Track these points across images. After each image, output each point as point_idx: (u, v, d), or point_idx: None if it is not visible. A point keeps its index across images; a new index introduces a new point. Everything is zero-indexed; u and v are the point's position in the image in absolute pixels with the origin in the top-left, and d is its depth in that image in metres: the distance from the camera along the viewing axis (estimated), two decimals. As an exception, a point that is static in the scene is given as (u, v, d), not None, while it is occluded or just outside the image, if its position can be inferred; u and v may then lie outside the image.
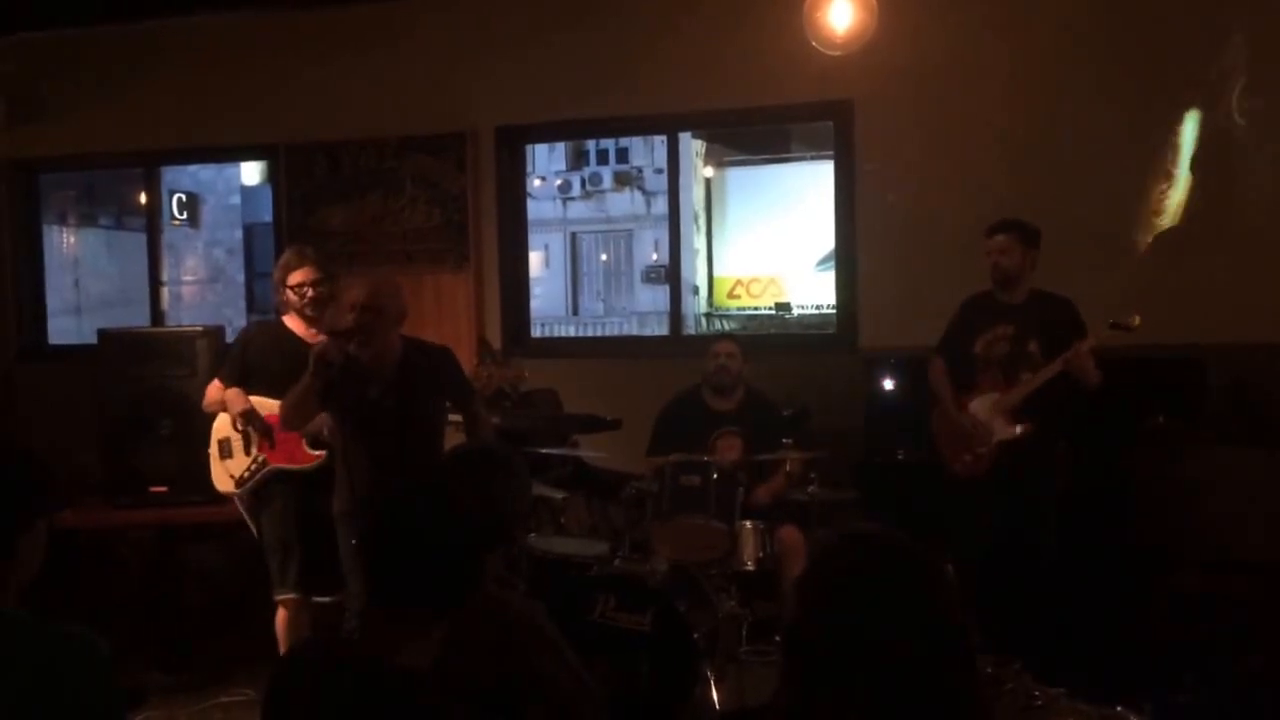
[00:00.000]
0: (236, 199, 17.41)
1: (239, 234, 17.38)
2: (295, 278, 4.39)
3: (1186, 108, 5.30)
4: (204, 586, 5.37)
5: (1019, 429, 4.44)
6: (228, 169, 16.16)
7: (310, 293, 4.39)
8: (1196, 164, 5.30)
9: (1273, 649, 3.96)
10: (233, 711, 4.56)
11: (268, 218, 8.25)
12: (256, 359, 4.43)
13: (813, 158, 12.48)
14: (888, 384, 5.51)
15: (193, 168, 15.25)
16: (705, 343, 6.19)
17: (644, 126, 8.10)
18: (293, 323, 4.46)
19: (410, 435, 3.85)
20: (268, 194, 8.81)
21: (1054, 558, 4.51)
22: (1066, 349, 4.34)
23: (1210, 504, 4.63)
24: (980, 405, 4.54)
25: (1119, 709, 3.47)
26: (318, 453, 4.33)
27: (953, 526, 4.55)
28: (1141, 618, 4.50)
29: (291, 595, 4.33)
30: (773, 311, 14.43)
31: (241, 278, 16.90)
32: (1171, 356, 4.92)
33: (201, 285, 17.00)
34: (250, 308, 15.75)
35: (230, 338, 5.30)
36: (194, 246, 17.04)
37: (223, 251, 17.46)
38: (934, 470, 4.73)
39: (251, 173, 15.37)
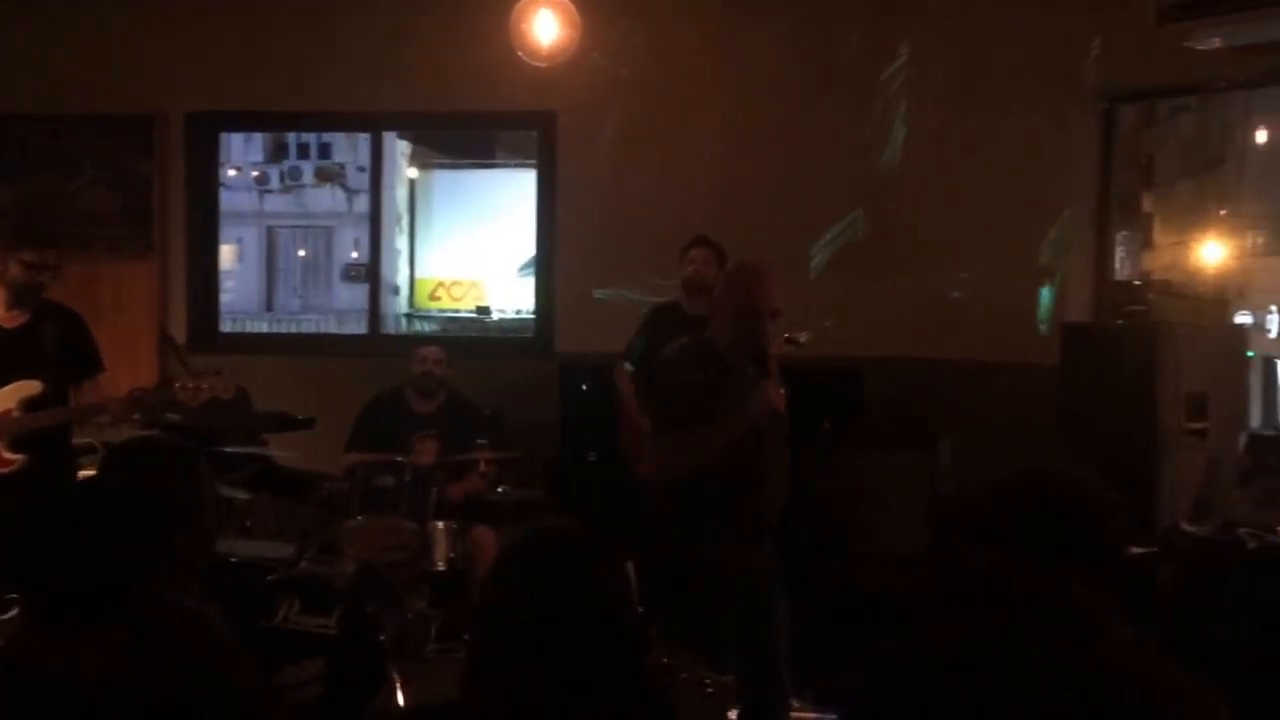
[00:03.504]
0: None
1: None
2: (34, 255, 3.95)
3: (862, 138, 5.79)
4: None
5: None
6: None
7: (42, 278, 3.98)
8: (863, 194, 5.80)
9: (923, 633, 4.37)
10: None
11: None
12: None
13: (517, 165, 12.59)
14: (582, 387, 5.68)
15: None
16: (405, 342, 6.15)
17: (346, 123, 7.91)
18: None
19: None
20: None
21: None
22: None
23: (868, 501, 5.06)
24: None
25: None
26: (16, 456, 3.97)
27: (641, 525, 4.74)
28: (809, 608, 4.83)
29: None
30: (473, 314, 14.44)
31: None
32: (836, 368, 5.34)
33: None
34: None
35: None
36: None
37: None
38: (624, 471, 4.92)
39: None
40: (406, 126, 10.12)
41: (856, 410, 5.38)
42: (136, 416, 4.40)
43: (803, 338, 4.61)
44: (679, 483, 3.21)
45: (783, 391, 3.16)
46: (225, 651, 2.34)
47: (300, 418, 5.09)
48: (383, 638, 3.99)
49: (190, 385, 3.92)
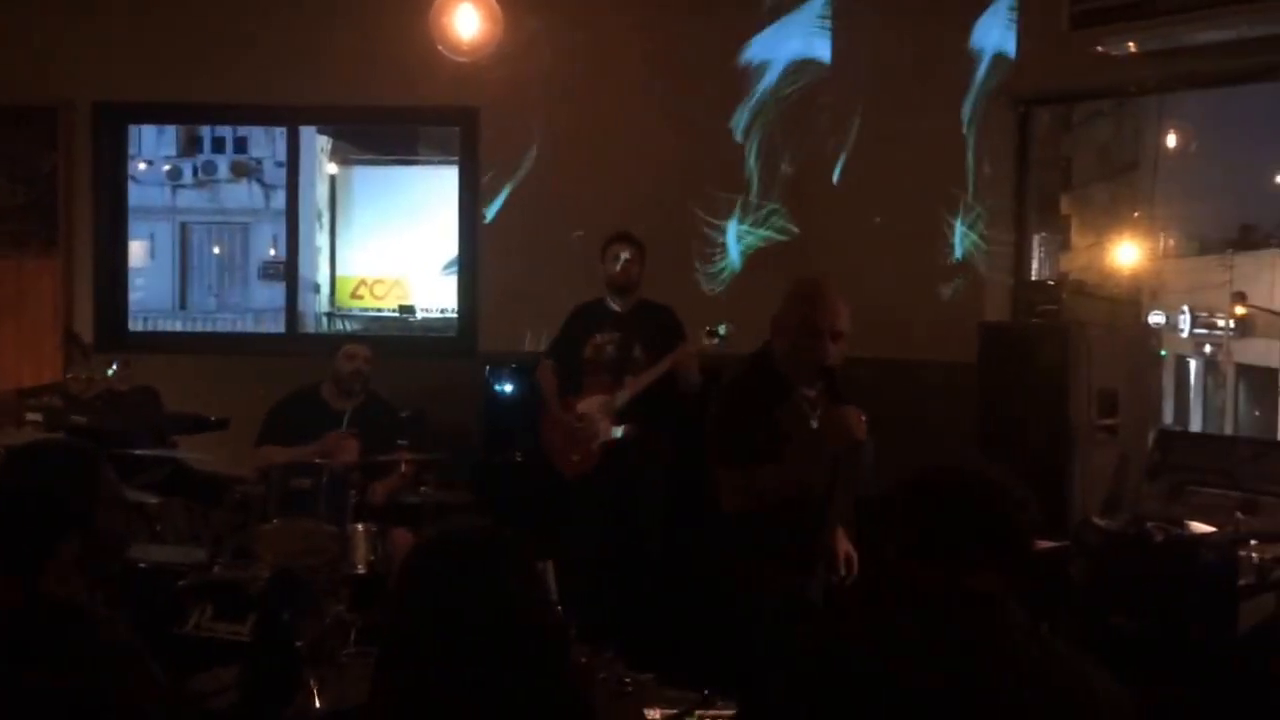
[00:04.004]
0: None
1: None
2: None
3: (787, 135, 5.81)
4: None
5: (622, 430, 4.68)
6: None
7: None
8: (788, 191, 5.82)
9: (829, 628, 4.39)
10: None
11: None
12: None
13: (440, 162, 12.48)
14: (506, 387, 5.63)
15: None
16: (325, 342, 6.05)
17: (262, 116, 7.76)
18: None
19: None
20: None
21: (658, 552, 4.80)
22: (670, 353, 4.64)
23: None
24: (588, 407, 4.74)
25: (706, 693, 3.71)
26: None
27: (564, 525, 4.73)
28: (728, 606, 4.84)
29: None
30: (396, 314, 14.28)
31: None
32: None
33: None
34: None
35: None
36: None
37: None
38: (548, 470, 4.89)
39: None
40: (324, 121, 9.98)
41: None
42: (40, 419, 4.27)
43: (723, 329, 4.61)
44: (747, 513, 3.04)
45: (864, 418, 2.99)
46: (123, 656, 2.26)
47: (213, 419, 4.96)
48: (299, 644, 3.90)
49: (83, 377, 3.80)
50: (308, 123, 7.89)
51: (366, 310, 15.00)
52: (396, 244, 14.59)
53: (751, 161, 5.80)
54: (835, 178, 5.72)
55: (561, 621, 1.66)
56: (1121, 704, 1.73)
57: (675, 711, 3.16)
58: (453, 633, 1.51)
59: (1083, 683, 1.72)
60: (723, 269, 5.80)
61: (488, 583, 1.55)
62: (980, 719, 1.67)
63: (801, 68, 5.77)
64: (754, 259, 5.80)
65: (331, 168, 15.15)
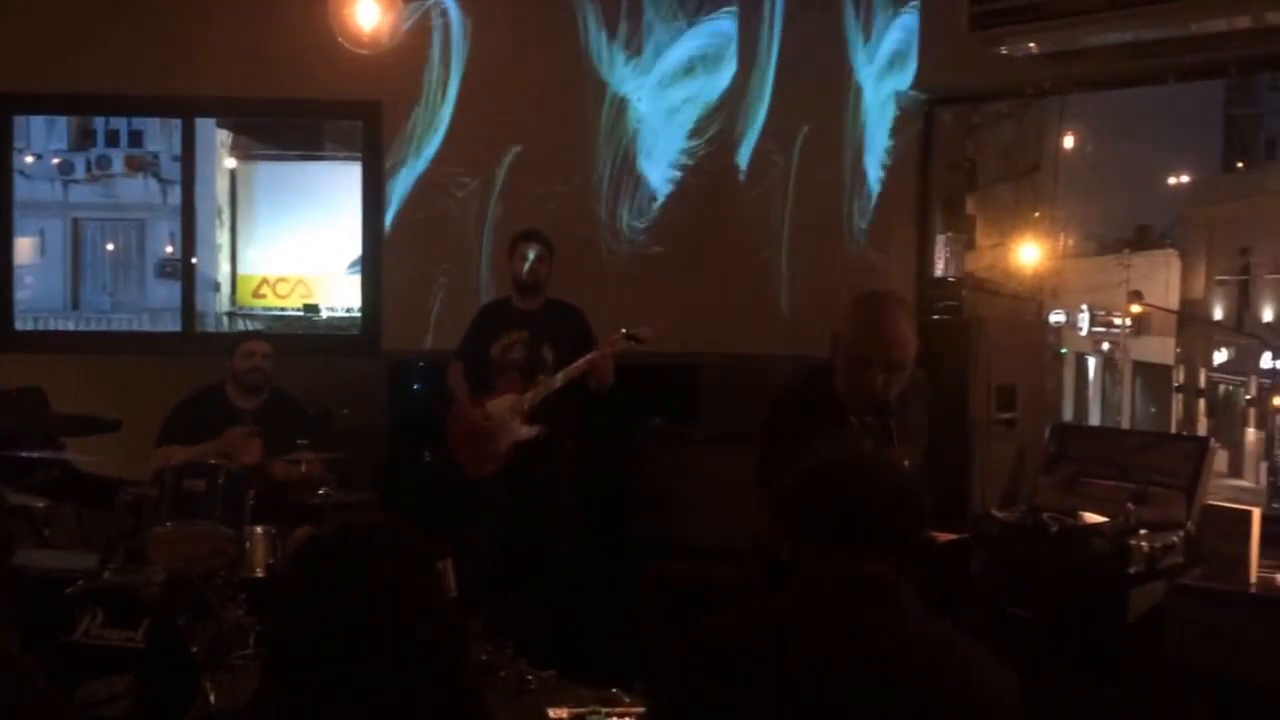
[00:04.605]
0: None
1: None
2: None
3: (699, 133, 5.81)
4: None
5: (533, 431, 4.65)
6: None
7: None
8: (700, 190, 5.83)
9: (724, 618, 4.42)
10: None
11: None
12: None
13: (345, 157, 12.28)
14: (412, 386, 5.55)
15: None
16: (222, 340, 5.91)
17: (155, 108, 7.53)
18: None
19: None
20: None
21: (563, 552, 4.77)
22: (579, 355, 4.60)
23: (700, 497, 5.10)
24: (497, 407, 4.70)
25: (614, 690, 3.70)
26: None
27: (469, 524, 4.68)
28: (638, 604, 4.85)
29: None
30: (301, 313, 14.01)
31: None
32: (668, 364, 5.36)
33: None
34: None
35: None
36: None
37: None
38: (455, 470, 4.83)
39: None
40: (221, 113, 9.74)
41: (690, 407, 5.41)
42: None
43: (644, 333, 4.61)
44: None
45: (906, 463, 2.77)
46: (2, 664, 2.17)
47: (104, 420, 4.79)
48: (195, 650, 3.79)
49: None
50: (203, 114, 7.64)
51: (269, 309, 14.70)
52: (300, 241, 14.32)
53: (658, 155, 5.80)
54: (741, 176, 5.76)
55: (459, 620, 1.61)
56: (1010, 691, 1.76)
57: (581, 710, 3.14)
58: (342, 630, 1.47)
59: (972, 670, 1.75)
60: (628, 263, 5.79)
61: (379, 579, 1.51)
62: (872, 704, 1.68)
63: (709, 64, 5.78)
64: (658, 257, 5.80)
65: (231, 162, 14.82)
